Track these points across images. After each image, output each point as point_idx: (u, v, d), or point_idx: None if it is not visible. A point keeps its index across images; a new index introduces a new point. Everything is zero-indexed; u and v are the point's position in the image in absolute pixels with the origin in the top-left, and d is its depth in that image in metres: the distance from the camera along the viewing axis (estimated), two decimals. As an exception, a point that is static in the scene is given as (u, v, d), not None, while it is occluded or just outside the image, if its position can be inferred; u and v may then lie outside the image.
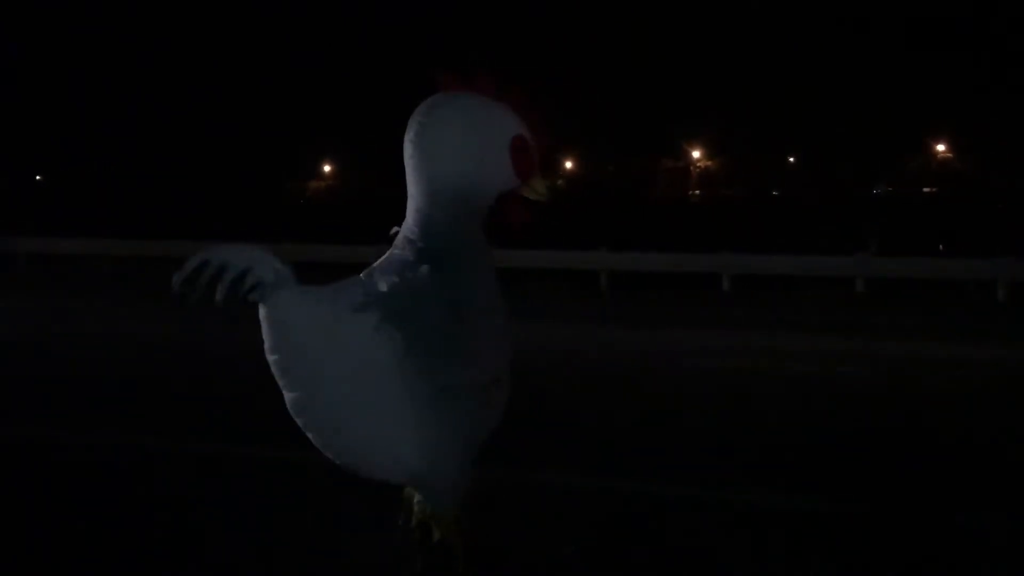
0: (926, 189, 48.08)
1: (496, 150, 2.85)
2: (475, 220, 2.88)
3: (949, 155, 48.77)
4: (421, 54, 41.83)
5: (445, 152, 2.84)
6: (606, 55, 40.68)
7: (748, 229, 22.84)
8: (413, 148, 2.87)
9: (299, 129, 44.38)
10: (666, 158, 45.65)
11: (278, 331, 2.79)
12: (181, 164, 43.71)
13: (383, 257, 2.90)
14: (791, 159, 48.98)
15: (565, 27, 43.92)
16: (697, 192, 44.44)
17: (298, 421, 2.82)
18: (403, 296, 2.76)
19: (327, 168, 50.15)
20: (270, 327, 2.80)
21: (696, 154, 45.82)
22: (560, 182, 46.33)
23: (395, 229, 2.95)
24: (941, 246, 20.53)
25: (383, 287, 2.78)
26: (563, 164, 48.79)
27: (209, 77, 44.47)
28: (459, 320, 2.76)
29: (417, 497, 2.97)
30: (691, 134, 44.15)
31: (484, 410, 2.86)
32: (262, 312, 2.76)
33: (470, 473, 2.90)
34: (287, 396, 2.79)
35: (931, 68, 42.75)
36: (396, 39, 44.72)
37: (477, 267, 2.88)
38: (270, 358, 2.81)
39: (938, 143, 49.22)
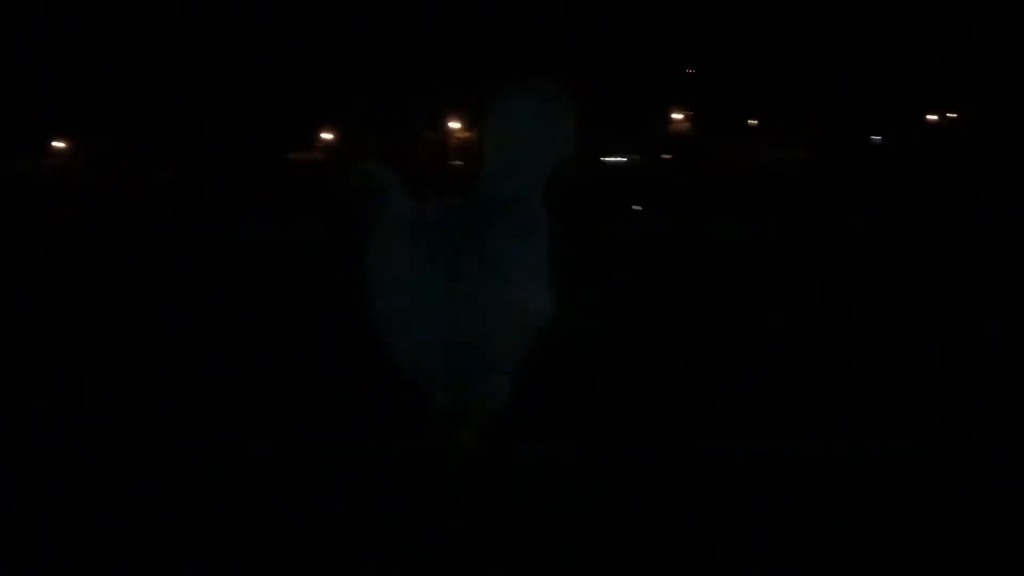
0: (665, 156, 51.04)
1: None
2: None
3: (686, 124, 52.01)
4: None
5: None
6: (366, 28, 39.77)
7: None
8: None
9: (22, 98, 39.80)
10: (431, 131, 45.51)
11: None
12: None
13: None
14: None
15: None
16: (460, 163, 44.59)
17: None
18: None
19: (60, 144, 45.49)
20: None
21: (456, 125, 45.98)
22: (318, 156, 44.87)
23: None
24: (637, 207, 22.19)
25: None
26: (319, 135, 47.39)
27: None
28: None
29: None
30: (453, 107, 44.25)
31: None
32: None
33: None
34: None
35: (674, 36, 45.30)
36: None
37: None
38: None
39: (675, 112, 52.30)
